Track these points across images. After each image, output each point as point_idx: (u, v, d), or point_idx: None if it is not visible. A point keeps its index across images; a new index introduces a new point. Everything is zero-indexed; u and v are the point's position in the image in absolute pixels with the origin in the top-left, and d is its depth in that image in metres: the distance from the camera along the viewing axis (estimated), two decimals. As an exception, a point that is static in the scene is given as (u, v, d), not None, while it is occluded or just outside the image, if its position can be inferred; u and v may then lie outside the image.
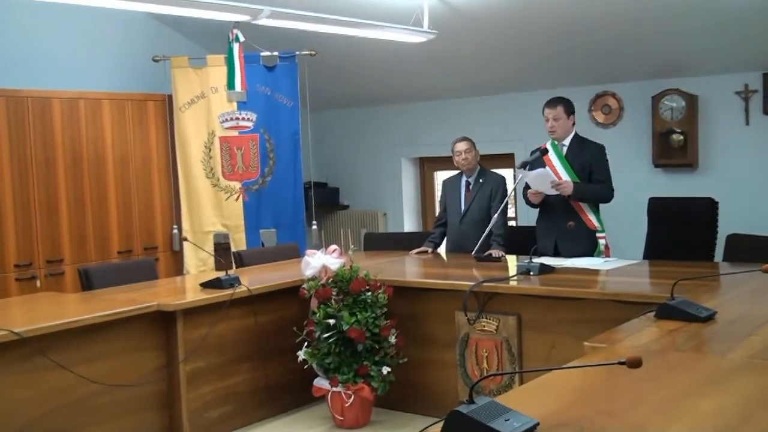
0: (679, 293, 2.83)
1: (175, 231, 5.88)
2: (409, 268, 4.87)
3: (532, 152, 4.61)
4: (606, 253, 4.48)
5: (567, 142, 4.56)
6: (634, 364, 1.74)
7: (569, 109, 4.53)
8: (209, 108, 5.88)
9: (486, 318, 3.87)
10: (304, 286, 4.03)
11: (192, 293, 4.10)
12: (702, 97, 5.52)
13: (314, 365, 3.97)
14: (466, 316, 3.87)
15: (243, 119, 5.93)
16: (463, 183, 5.06)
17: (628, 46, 5.34)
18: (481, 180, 5.00)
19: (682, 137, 5.55)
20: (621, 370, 1.77)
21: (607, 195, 4.49)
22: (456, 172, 5.18)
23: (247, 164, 5.96)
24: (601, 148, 4.55)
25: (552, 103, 4.53)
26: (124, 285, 4.21)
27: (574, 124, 4.58)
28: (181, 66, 5.86)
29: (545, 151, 4.57)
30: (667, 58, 5.37)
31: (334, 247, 4.12)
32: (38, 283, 5.13)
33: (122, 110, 5.65)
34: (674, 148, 5.60)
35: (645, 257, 4.71)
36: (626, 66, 5.60)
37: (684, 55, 5.31)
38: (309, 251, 4.16)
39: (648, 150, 5.72)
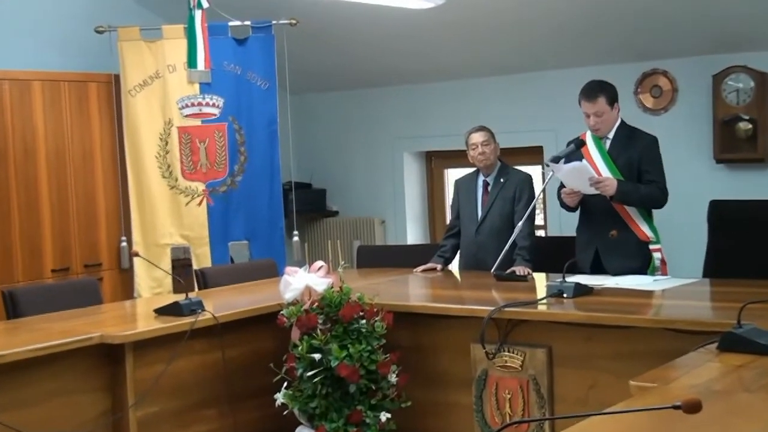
0: (747, 319, 2.83)
1: (124, 244, 5.88)
2: (413, 290, 4.87)
3: (568, 144, 4.62)
4: (662, 269, 4.48)
5: (611, 134, 4.56)
6: (692, 408, 1.74)
7: (612, 97, 4.50)
8: (165, 91, 5.89)
9: (509, 351, 3.87)
10: (283, 312, 4.03)
11: (144, 322, 4.09)
12: (775, 76, 5.54)
13: (296, 411, 3.96)
14: (485, 349, 3.87)
15: (207, 105, 5.94)
16: (480, 183, 5.08)
17: (683, 13, 5.35)
18: (502, 179, 5.01)
19: (750, 126, 5.56)
20: (676, 416, 1.77)
21: (659, 198, 4.49)
22: (472, 169, 5.19)
23: (213, 161, 5.96)
24: (653, 141, 4.55)
25: (590, 95, 4.48)
26: (59, 311, 4.20)
27: (618, 111, 4.59)
28: (131, 39, 5.87)
29: (582, 143, 4.57)
30: (732, 27, 5.38)
31: (320, 263, 4.12)
32: (-47, 309, 5.13)
33: (57, 93, 5.66)
34: (741, 140, 5.60)
35: (705, 275, 4.71)
36: (681, 38, 5.61)
37: (752, 24, 5.32)
38: (289, 269, 4.16)
39: (708, 142, 5.72)
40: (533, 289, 4.40)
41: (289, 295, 4.05)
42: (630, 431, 2.07)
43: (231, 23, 5.95)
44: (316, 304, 3.97)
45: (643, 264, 4.47)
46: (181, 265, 5.87)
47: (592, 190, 4.43)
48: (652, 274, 4.43)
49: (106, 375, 3.75)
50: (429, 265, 5.10)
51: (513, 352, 3.86)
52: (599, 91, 4.49)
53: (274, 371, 3.97)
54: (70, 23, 6.05)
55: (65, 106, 5.70)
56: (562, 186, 4.62)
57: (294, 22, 5.96)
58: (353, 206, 7.31)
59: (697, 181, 5.64)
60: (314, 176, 7.39)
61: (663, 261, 4.52)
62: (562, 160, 4.51)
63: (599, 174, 4.46)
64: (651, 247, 4.50)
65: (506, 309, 3.82)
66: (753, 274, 4.30)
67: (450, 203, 5.71)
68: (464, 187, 5.18)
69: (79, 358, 3.65)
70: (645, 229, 4.50)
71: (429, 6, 5.11)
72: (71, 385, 3.64)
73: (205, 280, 5.01)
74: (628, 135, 4.56)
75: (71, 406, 3.63)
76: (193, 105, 5.92)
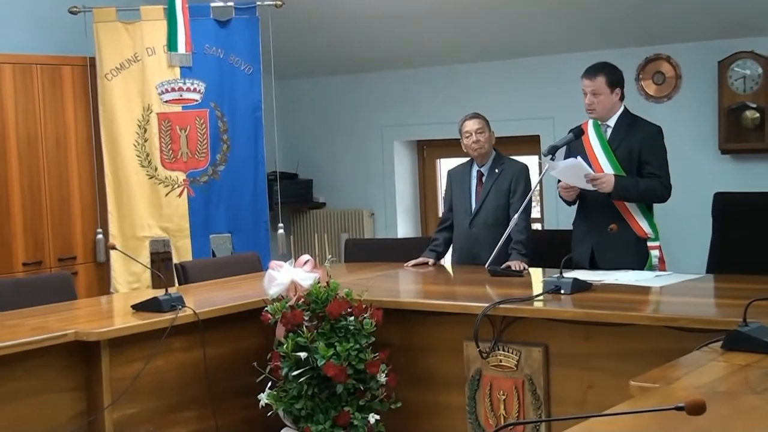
0: (754, 317, 2.84)
1: (100, 236, 5.86)
2: (403, 286, 4.87)
3: (568, 133, 4.62)
4: (660, 267, 4.49)
5: (612, 122, 4.57)
6: (697, 409, 1.74)
7: (613, 79, 4.53)
8: (144, 75, 5.87)
9: (503, 350, 3.87)
10: (268, 308, 4.03)
11: (121, 318, 4.08)
12: (783, 63, 5.55)
13: (280, 412, 3.96)
14: (478, 347, 3.87)
15: (188, 90, 5.93)
16: (474, 174, 5.07)
17: (688, -3, 5.37)
18: (497, 170, 5.01)
19: (757, 114, 5.57)
20: (678, 418, 1.78)
21: (662, 193, 4.49)
22: (465, 159, 5.19)
23: (194, 149, 5.95)
24: (656, 131, 4.56)
25: (590, 72, 4.53)
26: (31, 307, 4.18)
27: (621, 98, 4.59)
28: (107, 20, 5.84)
29: (582, 132, 4.58)
30: (739, 11, 5.39)
31: (306, 257, 4.12)
32: None
33: (29, 77, 5.63)
34: (747, 129, 5.62)
35: (709, 270, 4.73)
36: (685, 21, 5.61)
37: (760, 8, 5.32)
38: (274, 263, 4.16)
39: (713, 131, 5.74)
40: (529, 284, 4.41)
41: (273, 291, 4.05)
42: (631, 434, 2.08)
43: (213, 4, 5.93)
44: (302, 300, 3.97)
45: (639, 261, 4.48)
46: (160, 258, 5.87)
47: (590, 186, 4.44)
48: (650, 271, 4.43)
49: (81, 374, 3.74)
50: (420, 260, 5.09)
51: (508, 351, 3.86)
52: (600, 69, 4.53)
53: (257, 370, 3.97)
54: (42, 3, 6.02)
55: (37, 90, 5.67)
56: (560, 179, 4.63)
57: (279, 3, 5.94)
58: (341, 197, 7.31)
59: (701, 173, 5.65)
60: (300, 166, 7.38)
61: (661, 259, 4.52)
62: (561, 150, 4.51)
63: (597, 166, 4.46)
64: (649, 244, 4.51)
65: (501, 306, 3.82)
66: (759, 270, 4.31)
67: (443, 195, 5.70)
68: (457, 177, 5.17)
69: (51, 357, 3.63)
70: (643, 225, 4.50)
71: (421, -13, 5.11)
72: (43, 384, 3.62)
73: (186, 275, 5.00)
74: (629, 123, 4.57)
75: (43, 407, 3.62)
76: (173, 90, 5.90)
